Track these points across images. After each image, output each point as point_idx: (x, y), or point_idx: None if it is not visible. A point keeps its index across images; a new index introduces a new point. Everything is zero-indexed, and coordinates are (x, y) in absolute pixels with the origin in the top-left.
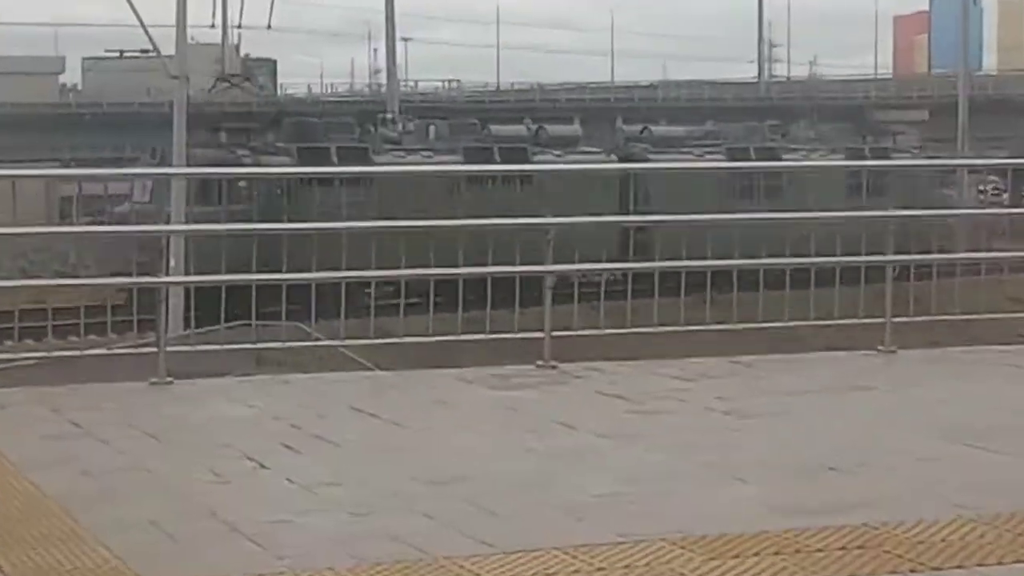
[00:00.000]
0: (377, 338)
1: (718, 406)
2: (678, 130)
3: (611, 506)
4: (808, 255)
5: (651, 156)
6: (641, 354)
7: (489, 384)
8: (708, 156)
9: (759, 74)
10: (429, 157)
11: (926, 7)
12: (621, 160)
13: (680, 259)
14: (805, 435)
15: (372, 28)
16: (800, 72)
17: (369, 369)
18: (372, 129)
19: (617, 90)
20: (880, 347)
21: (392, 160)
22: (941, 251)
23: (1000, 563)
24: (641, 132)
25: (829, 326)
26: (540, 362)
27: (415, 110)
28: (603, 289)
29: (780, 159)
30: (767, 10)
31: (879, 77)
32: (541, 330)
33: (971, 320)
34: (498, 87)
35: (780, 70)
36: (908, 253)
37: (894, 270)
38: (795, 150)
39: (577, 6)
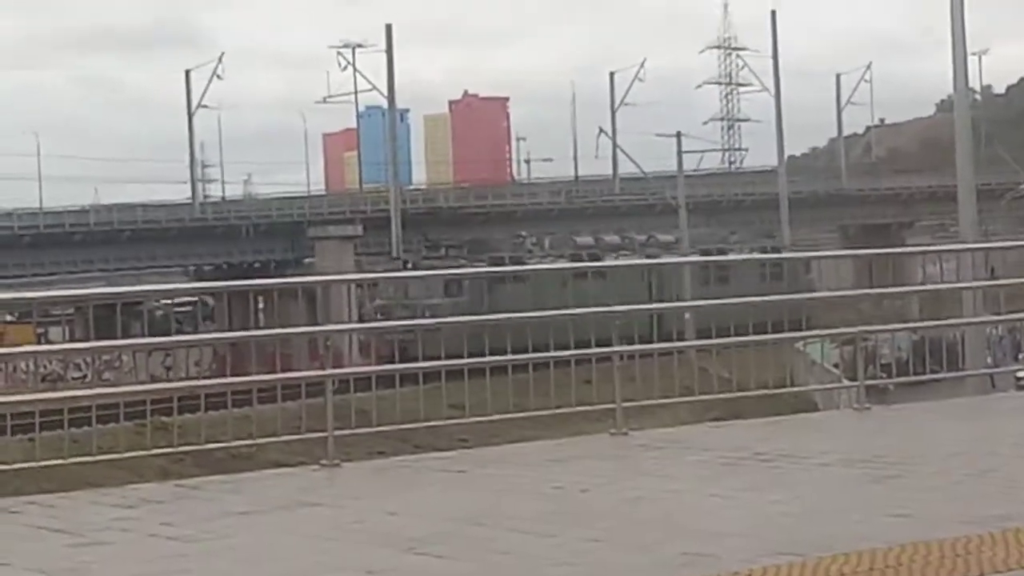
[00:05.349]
0: None
1: (163, 532)
2: (615, 238)
3: None
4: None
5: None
6: (81, 484)
7: None
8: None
9: (192, 195)
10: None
11: (354, 124)
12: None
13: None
14: (253, 557)
15: None
16: (235, 191)
17: None
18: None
19: (47, 216)
20: (323, 461)
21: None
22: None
23: None
24: (596, 242)
25: (271, 444)
26: None
27: None
28: (38, 419)
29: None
30: (198, 130)
31: (313, 194)
32: None
33: (414, 429)
34: None
35: (215, 190)
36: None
37: (333, 383)
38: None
39: None
